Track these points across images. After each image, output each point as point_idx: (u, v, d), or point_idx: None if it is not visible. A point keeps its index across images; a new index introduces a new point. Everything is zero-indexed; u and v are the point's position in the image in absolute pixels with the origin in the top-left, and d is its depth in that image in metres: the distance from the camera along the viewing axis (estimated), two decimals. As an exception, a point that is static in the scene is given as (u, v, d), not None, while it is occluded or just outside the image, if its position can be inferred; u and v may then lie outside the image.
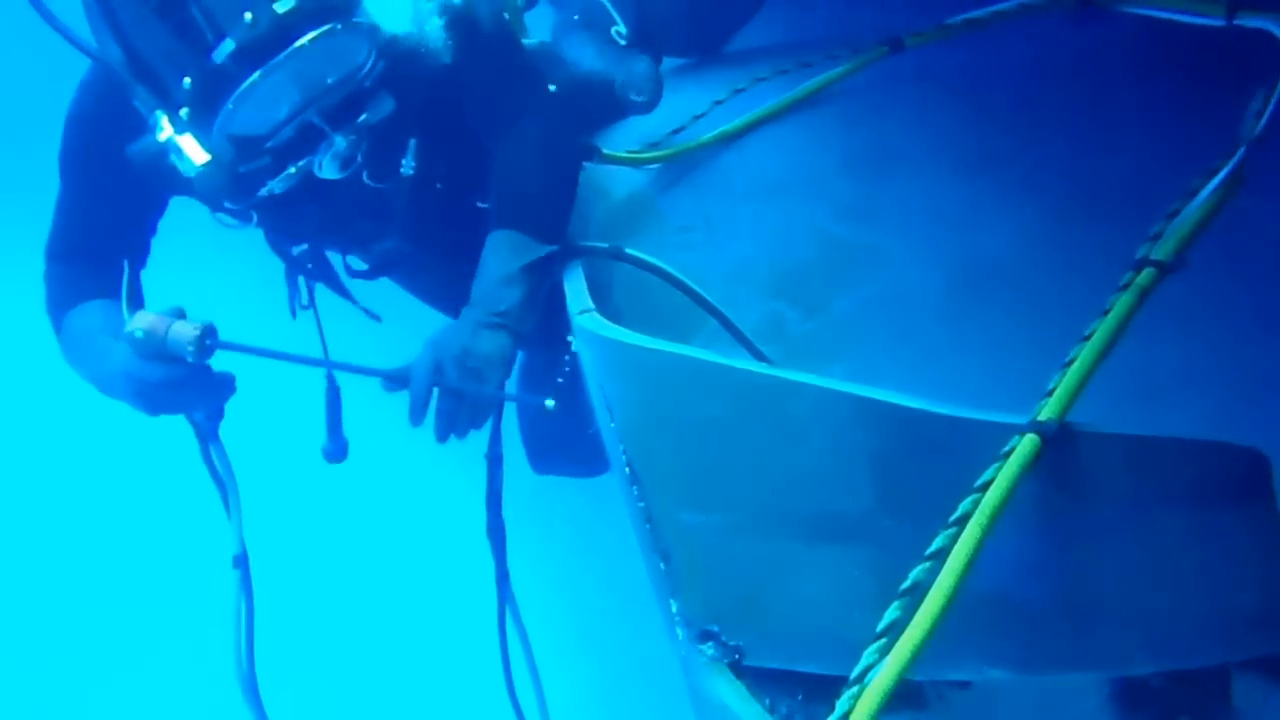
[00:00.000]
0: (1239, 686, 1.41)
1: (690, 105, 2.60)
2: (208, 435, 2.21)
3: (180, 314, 1.98)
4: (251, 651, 2.24)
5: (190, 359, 1.95)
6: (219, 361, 2.00)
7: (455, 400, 2.09)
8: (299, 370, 2.15)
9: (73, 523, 6.79)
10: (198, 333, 1.94)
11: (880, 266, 2.09)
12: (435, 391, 2.09)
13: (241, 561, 2.25)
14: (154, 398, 2.04)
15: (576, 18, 2.67)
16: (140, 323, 1.97)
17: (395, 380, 2.11)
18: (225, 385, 2.07)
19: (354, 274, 2.63)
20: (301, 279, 2.64)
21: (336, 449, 2.40)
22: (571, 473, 3.34)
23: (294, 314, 2.67)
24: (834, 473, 1.56)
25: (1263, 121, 1.66)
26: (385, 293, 2.91)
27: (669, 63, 2.80)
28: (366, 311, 2.81)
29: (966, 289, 1.97)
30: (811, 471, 1.59)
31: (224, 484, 2.25)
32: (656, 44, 2.63)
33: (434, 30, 2.15)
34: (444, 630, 5.18)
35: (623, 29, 2.56)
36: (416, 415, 2.09)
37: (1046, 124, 2.07)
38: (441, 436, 2.13)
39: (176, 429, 2.22)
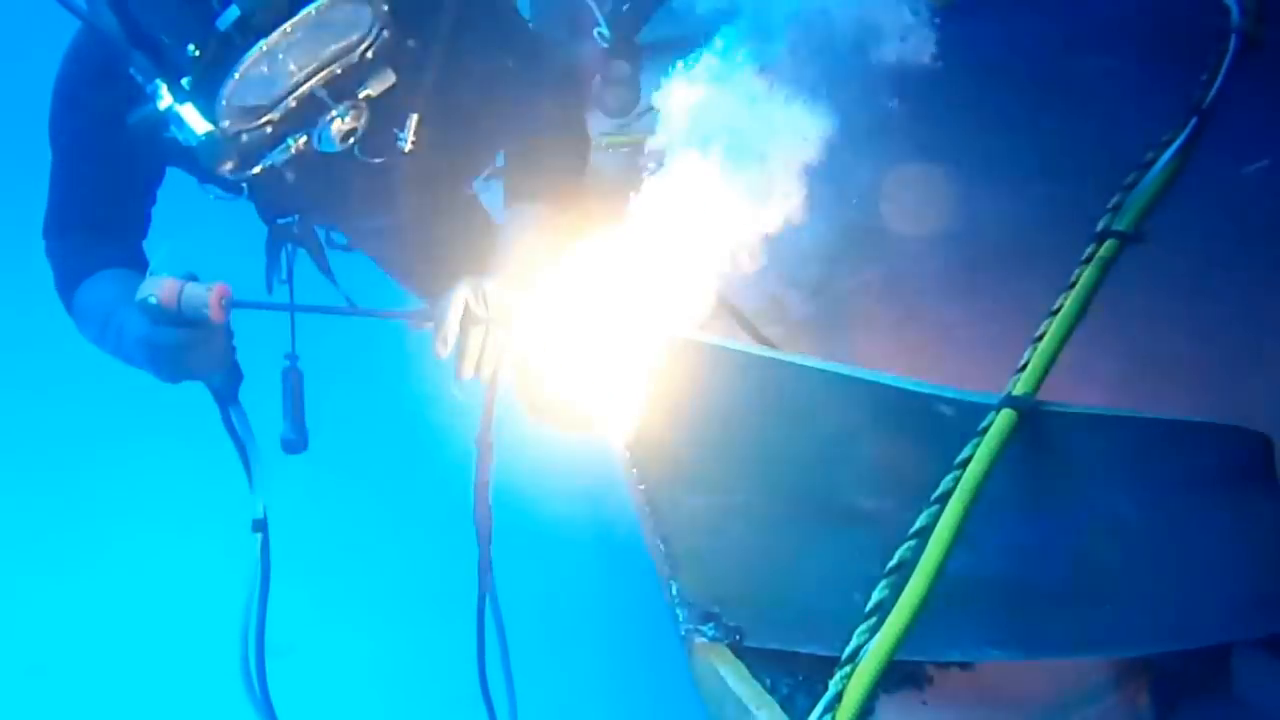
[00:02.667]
0: (1240, 664, 1.44)
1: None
2: (227, 399, 2.22)
3: (193, 277, 1.98)
4: (263, 617, 2.26)
5: (208, 319, 1.96)
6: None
7: (481, 334, 2.08)
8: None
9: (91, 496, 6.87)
10: (214, 292, 1.96)
11: (881, 248, 2.10)
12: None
13: (262, 526, 2.27)
14: (171, 362, 2.04)
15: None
16: (153, 288, 1.96)
17: (421, 317, 2.11)
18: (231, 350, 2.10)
19: (333, 246, 2.64)
20: (284, 254, 2.64)
21: (298, 439, 2.43)
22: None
23: (269, 288, 2.67)
24: (831, 455, 1.60)
25: (1212, 91, 1.69)
26: (368, 287, 2.95)
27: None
28: (348, 301, 2.81)
29: (967, 268, 1.97)
30: (809, 454, 1.63)
31: (245, 447, 2.25)
32: (637, 49, 2.66)
33: None
34: (426, 617, 5.21)
35: (605, 31, 2.58)
36: (442, 345, 2.08)
37: (1028, 102, 2.08)
38: (463, 373, 2.12)
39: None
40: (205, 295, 1.95)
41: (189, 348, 2.00)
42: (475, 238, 2.38)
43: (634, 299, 2.01)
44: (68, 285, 2.32)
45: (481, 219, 2.72)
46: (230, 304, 1.99)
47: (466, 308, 2.08)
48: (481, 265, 2.21)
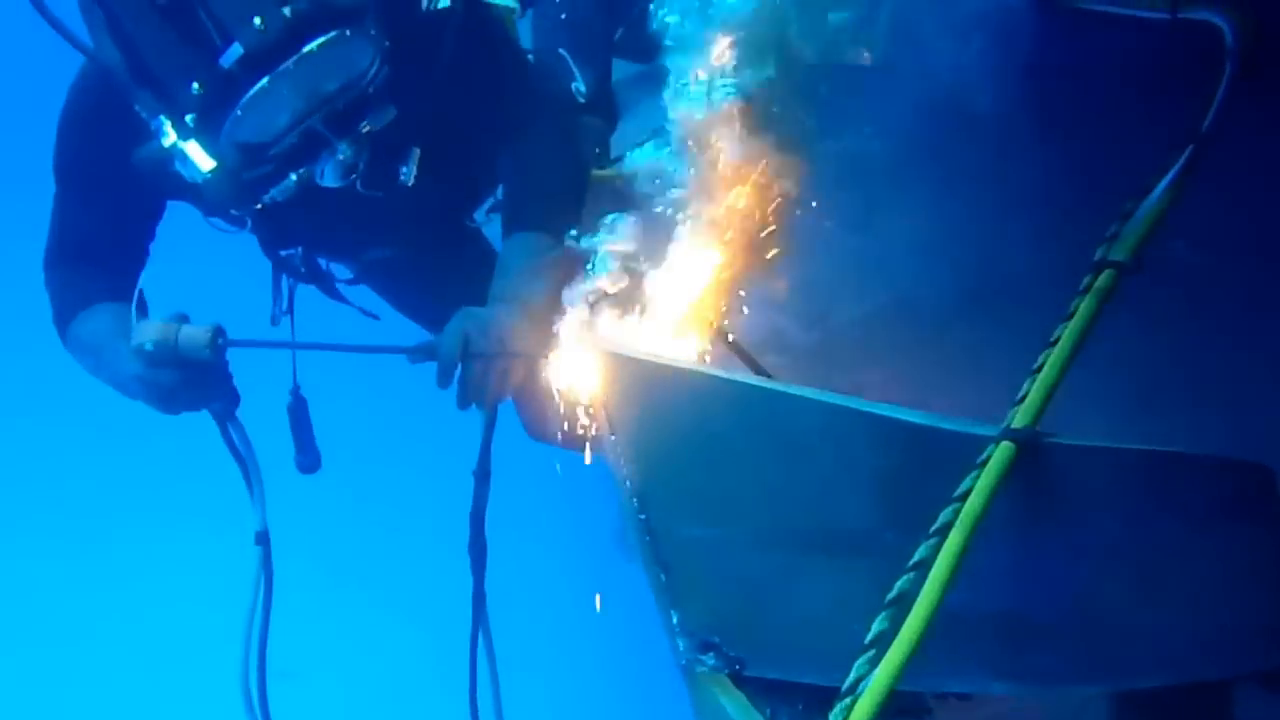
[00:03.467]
0: (1242, 698, 1.44)
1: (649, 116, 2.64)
2: (226, 417, 2.24)
3: (185, 318, 2.05)
4: (266, 628, 2.28)
5: (207, 359, 2.02)
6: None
7: (481, 367, 2.13)
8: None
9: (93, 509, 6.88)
10: (209, 334, 2.03)
11: (883, 277, 2.10)
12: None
13: (264, 539, 2.29)
14: (169, 399, 2.09)
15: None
16: (147, 334, 2.02)
17: (421, 352, 2.15)
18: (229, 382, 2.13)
19: (341, 282, 2.67)
20: (286, 283, 2.66)
21: (309, 460, 2.46)
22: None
23: (275, 320, 2.69)
24: (832, 486, 1.60)
25: (1209, 119, 1.70)
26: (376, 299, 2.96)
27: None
28: (363, 311, 2.83)
29: (967, 297, 1.97)
30: (810, 485, 1.63)
31: (245, 462, 2.28)
32: (614, 105, 2.68)
33: None
34: (422, 641, 5.21)
35: (582, 87, 2.60)
36: (445, 378, 2.13)
37: (1025, 128, 2.07)
38: (464, 402, 2.17)
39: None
40: (201, 337, 2.00)
41: (185, 386, 2.04)
42: (477, 269, 2.40)
43: (634, 329, 2.02)
44: (64, 317, 2.35)
45: (483, 250, 2.74)
46: (225, 344, 2.03)
47: (466, 339, 2.10)
48: (483, 295, 2.23)
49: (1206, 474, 1.31)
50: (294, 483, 2.58)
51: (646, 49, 2.95)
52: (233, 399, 2.20)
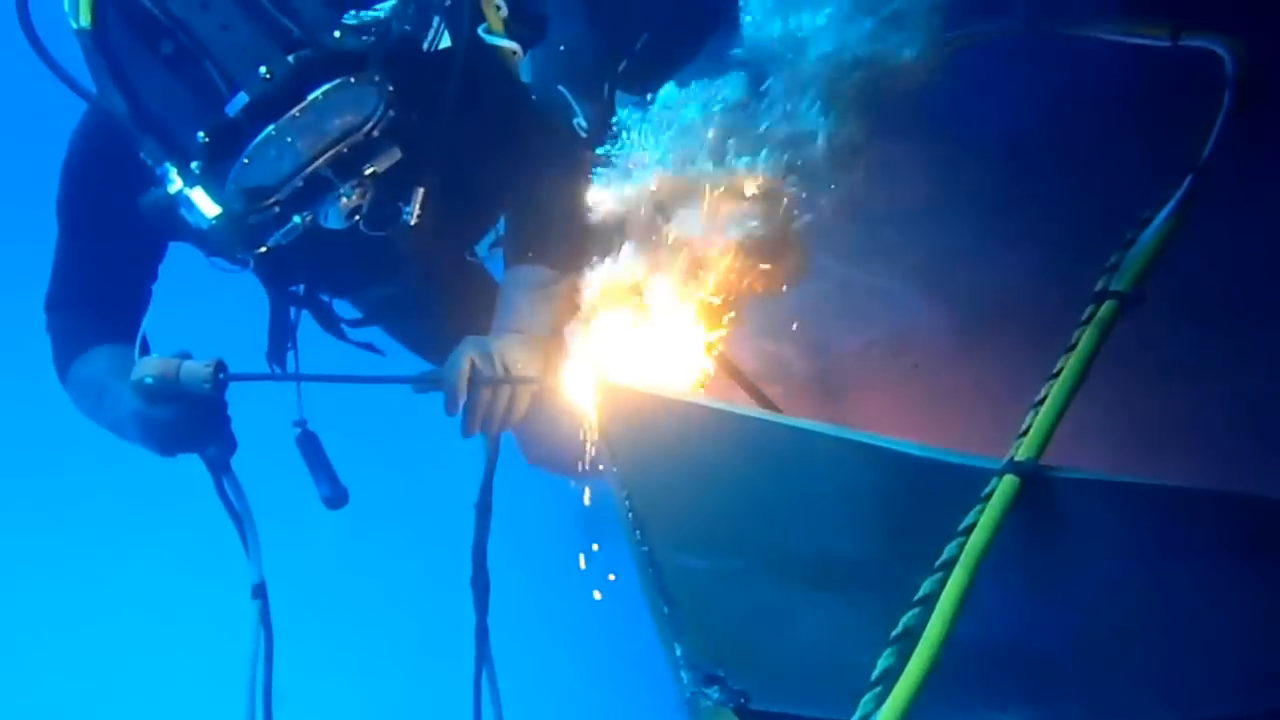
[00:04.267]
0: None
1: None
2: (221, 468, 2.25)
3: (186, 355, 2.07)
4: (269, 682, 2.29)
5: (208, 394, 2.05)
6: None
7: (488, 394, 2.15)
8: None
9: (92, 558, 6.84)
10: (210, 368, 2.05)
11: (883, 307, 2.10)
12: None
13: (260, 591, 2.29)
14: (167, 438, 2.11)
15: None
16: (148, 369, 2.05)
17: (427, 381, 2.18)
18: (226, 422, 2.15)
19: (346, 322, 2.68)
20: (291, 315, 2.66)
21: (336, 495, 2.46)
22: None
23: (280, 359, 2.68)
24: (836, 518, 1.60)
25: (1209, 147, 1.70)
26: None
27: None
28: (368, 347, 2.84)
29: (968, 326, 1.97)
30: (814, 517, 1.62)
31: (240, 517, 2.29)
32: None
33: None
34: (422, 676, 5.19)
35: (583, 123, 2.61)
36: (452, 405, 2.15)
37: (1026, 158, 2.08)
38: (469, 430, 2.18)
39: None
40: (203, 371, 2.02)
41: (185, 424, 2.07)
42: (480, 302, 2.41)
43: (635, 359, 2.02)
44: (65, 361, 2.38)
45: (485, 284, 2.75)
46: (227, 379, 2.05)
47: (473, 367, 2.11)
48: (486, 328, 2.23)
49: (1216, 509, 1.30)
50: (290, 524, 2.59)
51: (650, 79, 2.97)
52: (230, 444, 2.22)
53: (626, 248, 2.10)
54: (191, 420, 2.09)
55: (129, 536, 6.93)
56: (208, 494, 2.27)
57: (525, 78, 2.81)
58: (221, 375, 2.07)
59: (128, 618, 6.64)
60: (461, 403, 2.15)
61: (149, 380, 2.04)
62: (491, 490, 2.32)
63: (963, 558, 1.33)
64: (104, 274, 2.35)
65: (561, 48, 2.71)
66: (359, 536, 5.40)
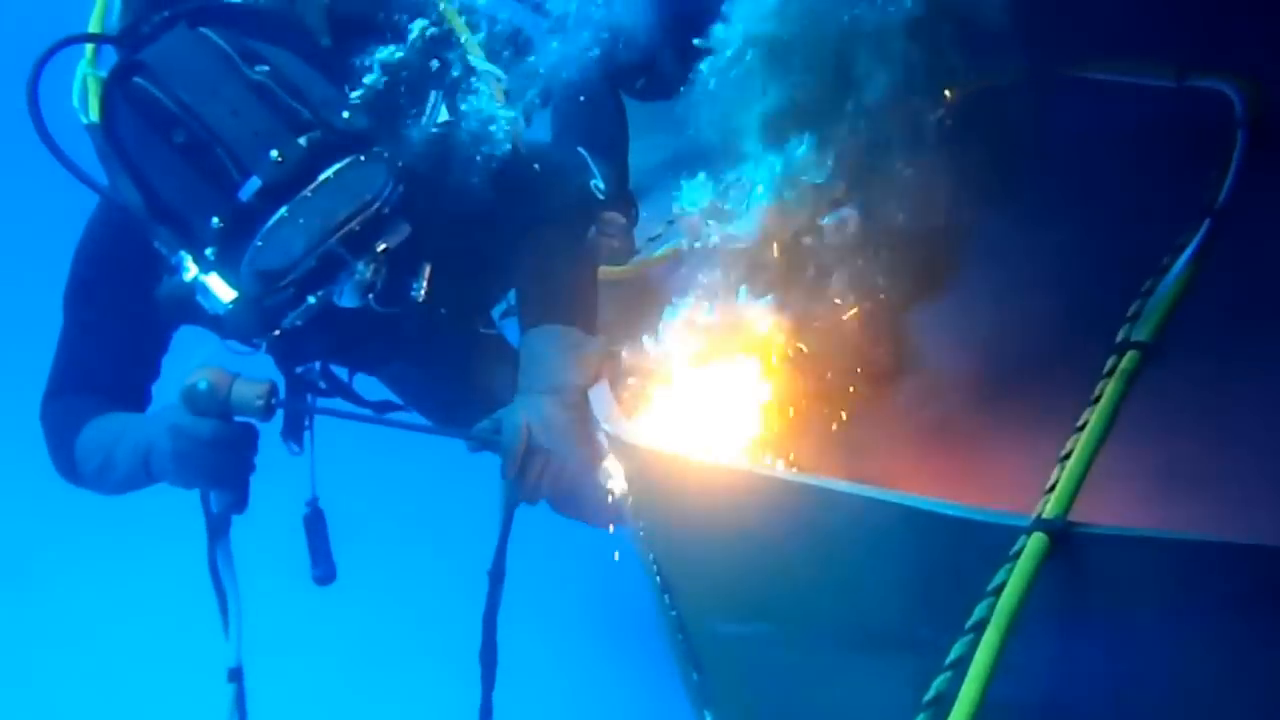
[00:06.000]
0: None
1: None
2: (220, 531, 2.25)
3: (238, 375, 2.08)
4: None
5: (257, 416, 2.07)
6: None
7: (542, 460, 2.15)
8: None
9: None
10: (265, 388, 2.06)
11: (907, 358, 2.08)
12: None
13: (237, 676, 2.27)
14: (202, 459, 2.08)
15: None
16: (206, 374, 2.05)
17: (479, 439, 2.19)
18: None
19: (369, 404, 2.68)
20: (309, 399, 2.67)
21: (326, 573, 2.45)
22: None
23: (297, 439, 2.68)
24: (864, 580, 1.58)
25: (1224, 192, 1.70)
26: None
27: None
28: (387, 422, 2.84)
29: (995, 377, 1.95)
30: (842, 579, 1.60)
31: (225, 593, 2.27)
32: (632, 199, 2.72)
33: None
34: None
35: (601, 184, 2.64)
36: (511, 469, 2.15)
37: (1047, 202, 2.07)
38: (523, 497, 2.19)
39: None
40: (257, 388, 2.03)
41: (224, 445, 2.06)
42: (497, 370, 2.42)
43: (669, 423, 2.02)
44: (67, 438, 2.34)
45: (500, 349, 2.75)
46: (278, 404, 2.05)
47: (529, 433, 2.11)
48: (506, 392, 2.24)
49: (1247, 562, 1.27)
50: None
51: (669, 89, 3.01)
52: (243, 497, 2.20)
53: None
54: (231, 443, 2.08)
55: (107, 606, 6.91)
56: (195, 564, 2.26)
57: (541, 137, 2.85)
58: (274, 400, 2.07)
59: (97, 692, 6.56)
60: (518, 467, 2.15)
61: (203, 385, 2.03)
62: (505, 558, 2.31)
63: (994, 619, 1.31)
64: (115, 360, 2.35)
65: (580, 114, 2.75)
66: (351, 612, 5.37)
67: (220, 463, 2.12)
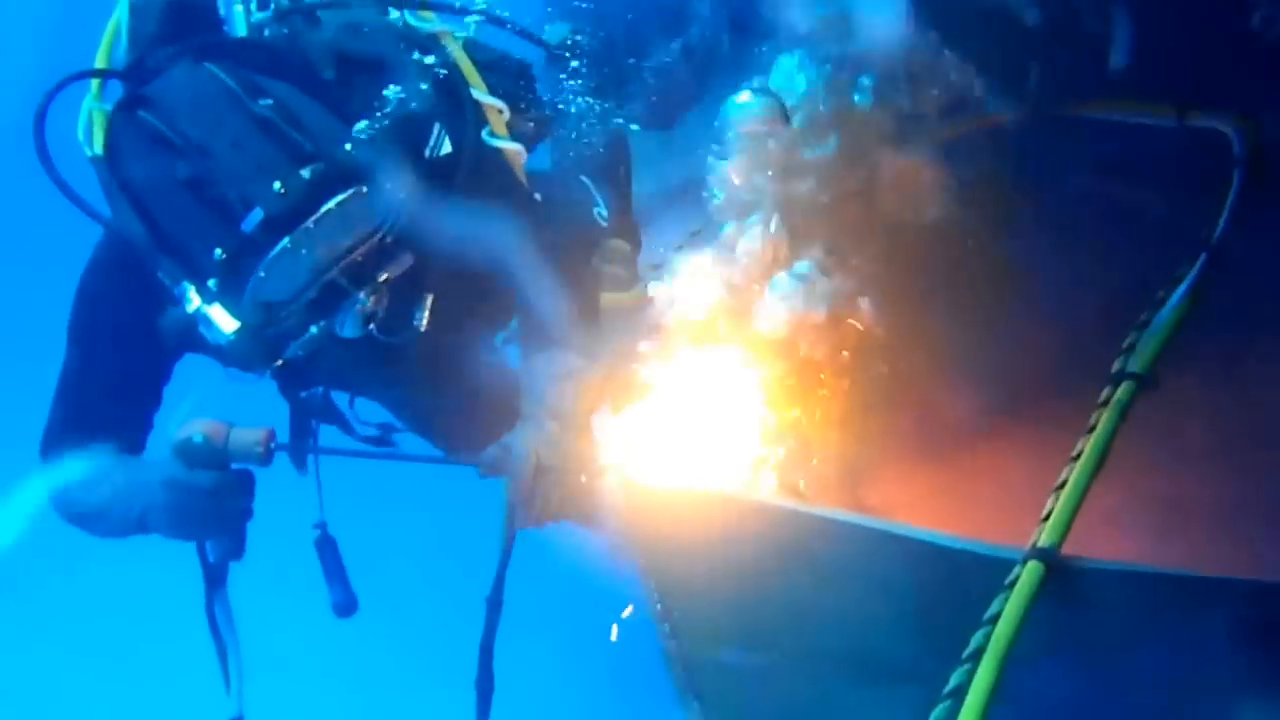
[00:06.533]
0: None
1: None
2: (218, 581, 2.24)
3: (232, 424, 2.07)
4: None
5: (257, 463, 2.06)
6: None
7: (550, 485, 2.15)
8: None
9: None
10: (263, 435, 2.06)
11: (906, 390, 2.10)
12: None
13: None
14: (200, 510, 2.08)
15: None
16: (197, 428, 2.04)
17: (487, 465, 2.20)
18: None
19: (367, 439, 2.69)
20: (311, 423, 2.68)
21: (346, 602, 2.43)
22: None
23: (302, 462, 2.69)
24: (863, 609, 1.58)
25: (1220, 227, 1.71)
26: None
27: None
28: (389, 455, 2.85)
29: (993, 409, 1.96)
30: (841, 608, 1.61)
31: (225, 643, 2.27)
32: (635, 228, 2.75)
33: None
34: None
35: (604, 212, 2.66)
36: (520, 493, 2.16)
37: (1048, 236, 2.09)
38: (541, 522, 2.18)
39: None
40: (256, 435, 2.05)
41: (222, 494, 2.06)
42: (499, 395, 2.43)
43: (670, 450, 2.03)
44: (67, 474, 2.28)
45: (503, 376, 2.77)
46: (278, 448, 2.06)
47: (539, 458, 2.11)
48: (509, 418, 2.25)
49: (1241, 598, 1.27)
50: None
51: (668, 117, 3.04)
52: (239, 545, 2.20)
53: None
54: (228, 491, 2.08)
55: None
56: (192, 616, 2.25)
57: (543, 166, 2.87)
58: (273, 445, 2.07)
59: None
60: (529, 493, 2.16)
61: (198, 439, 2.04)
62: (503, 585, 2.30)
63: (990, 647, 1.32)
64: (118, 391, 2.31)
65: (583, 143, 2.77)
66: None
67: (220, 512, 2.12)
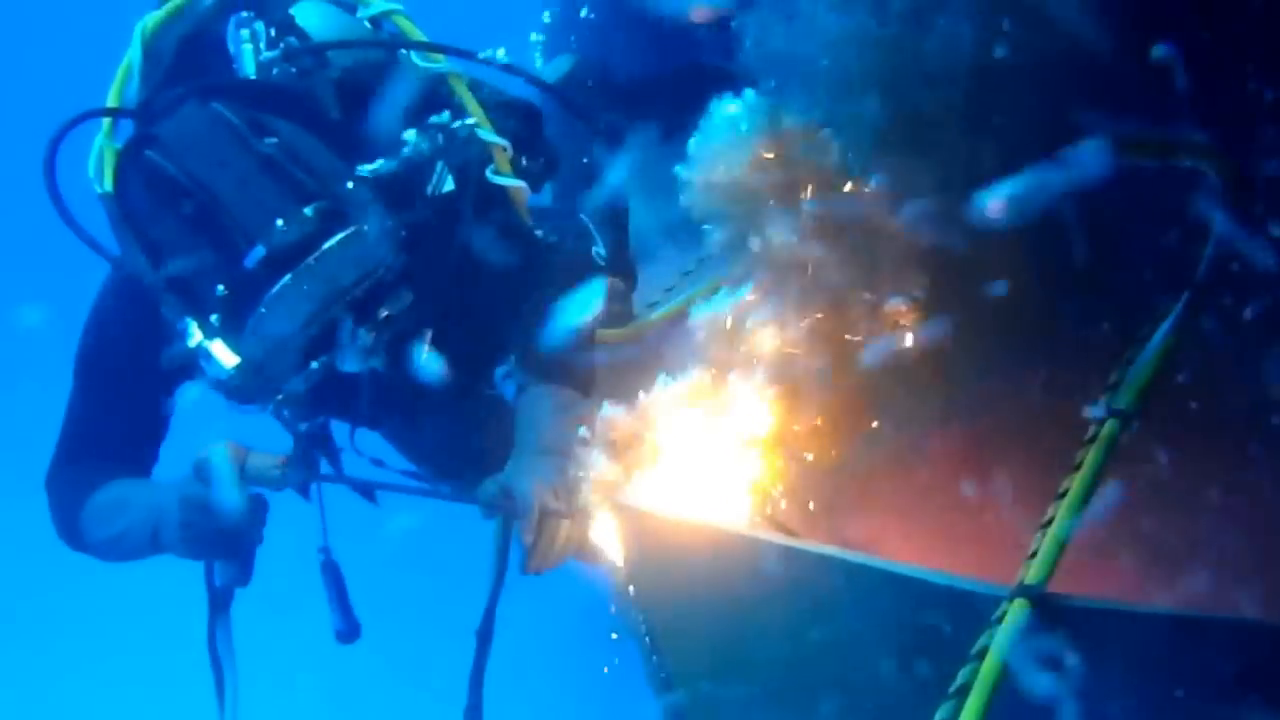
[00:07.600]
0: None
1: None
2: (221, 607, 2.27)
3: (250, 449, 2.15)
4: None
5: (273, 487, 2.14)
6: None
7: (555, 525, 2.15)
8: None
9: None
10: (280, 460, 2.14)
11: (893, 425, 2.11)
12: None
13: None
14: (214, 530, 2.12)
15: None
16: (219, 448, 2.12)
17: (495, 506, 2.21)
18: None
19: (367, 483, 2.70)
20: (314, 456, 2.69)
21: (349, 629, 2.45)
22: None
23: (305, 494, 2.70)
24: (853, 644, 1.59)
25: (1203, 266, 1.73)
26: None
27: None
28: (364, 495, 2.86)
29: (980, 442, 1.98)
30: (830, 643, 1.63)
31: (223, 670, 2.29)
32: (632, 265, 2.78)
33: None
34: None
35: (603, 251, 2.69)
36: (530, 535, 2.15)
37: (1030, 273, 2.11)
38: (540, 563, 2.17)
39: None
40: (273, 459, 2.14)
41: (240, 515, 2.10)
42: (497, 429, 2.45)
43: (661, 484, 2.05)
44: (74, 507, 2.36)
45: (501, 410, 2.79)
46: (293, 473, 2.11)
47: (546, 501, 2.13)
48: (506, 452, 2.27)
49: (1230, 639, 1.29)
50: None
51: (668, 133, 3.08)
52: (247, 569, 2.23)
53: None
54: (245, 513, 2.12)
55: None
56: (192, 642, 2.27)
57: (546, 203, 2.91)
58: (289, 470, 2.15)
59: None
60: (535, 535, 2.15)
61: (217, 459, 2.10)
62: (494, 619, 2.31)
63: (976, 684, 1.33)
64: (124, 423, 2.38)
65: (582, 182, 2.81)
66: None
67: (235, 533, 2.16)
